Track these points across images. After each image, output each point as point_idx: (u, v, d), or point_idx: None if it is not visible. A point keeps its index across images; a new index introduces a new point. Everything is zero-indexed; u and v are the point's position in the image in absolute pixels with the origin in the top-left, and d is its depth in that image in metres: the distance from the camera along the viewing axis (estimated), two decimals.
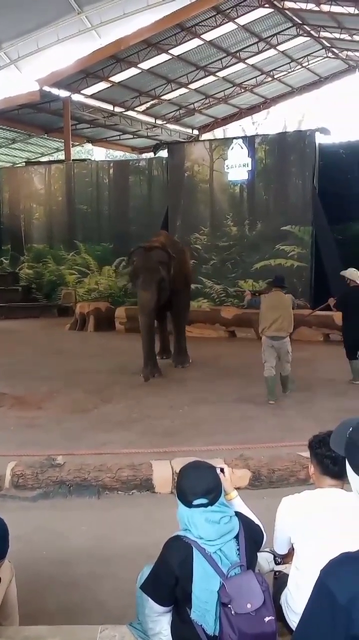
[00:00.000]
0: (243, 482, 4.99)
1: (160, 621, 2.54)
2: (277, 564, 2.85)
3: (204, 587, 2.34)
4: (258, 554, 2.75)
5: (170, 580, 2.41)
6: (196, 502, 2.44)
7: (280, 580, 2.78)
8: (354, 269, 9.11)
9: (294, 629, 2.41)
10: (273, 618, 2.33)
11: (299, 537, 2.54)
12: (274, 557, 2.84)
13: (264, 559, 2.82)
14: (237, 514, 2.55)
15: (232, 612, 2.28)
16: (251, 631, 2.27)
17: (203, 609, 2.33)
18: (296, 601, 2.51)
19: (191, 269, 11.92)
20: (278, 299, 8.18)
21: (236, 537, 2.44)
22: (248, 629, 2.27)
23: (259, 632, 2.28)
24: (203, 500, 2.43)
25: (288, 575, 2.73)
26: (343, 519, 2.40)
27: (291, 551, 2.67)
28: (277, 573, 2.86)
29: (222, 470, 2.65)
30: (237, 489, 3.00)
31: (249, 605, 2.30)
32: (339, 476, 2.55)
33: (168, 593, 2.45)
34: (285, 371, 8.27)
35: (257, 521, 2.64)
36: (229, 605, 2.29)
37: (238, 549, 2.42)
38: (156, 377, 9.54)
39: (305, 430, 6.28)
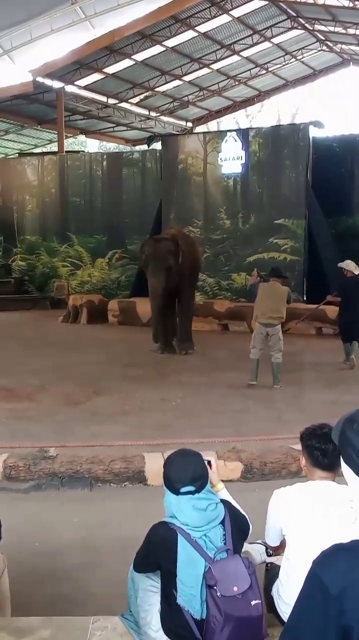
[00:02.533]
0: (235, 474, 5.01)
1: (151, 611, 2.56)
2: (269, 555, 2.86)
3: (190, 572, 2.36)
4: (250, 545, 2.77)
5: (156, 559, 2.48)
6: (183, 489, 2.45)
7: (272, 572, 2.79)
8: (350, 261, 9.79)
9: (285, 620, 2.43)
10: (260, 602, 2.35)
11: (290, 528, 2.56)
12: (266, 548, 2.85)
13: (256, 551, 2.84)
14: (223, 501, 2.57)
15: (218, 594, 2.30)
16: (237, 614, 2.28)
17: (189, 594, 2.35)
18: (286, 592, 2.52)
19: (200, 260, 12.51)
20: (274, 288, 8.55)
21: (222, 523, 2.46)
22: (234, 611, 2.28)
23: (246, 615, 2.30)
24: (190, 488, 2.45)
25: (279, 567, 2.75)
26: (334, 510, 2.42)
27: (283, 543, 2.69)
28: (269, 565, 2.88)
29: (209, 462, 2.66)
30: (229, 481, 3.02)
31: (235, 588, 2.31)
32: (330, 468, 2.57)
33: (157, 568, 2.53)
34: (276, 359, 8.49)
35: (242, 512, 2.66)
36: (215, 587, 2.31)
37: (224, 535, 2.44)
38: (166, 354, 10.67)
39: (297, 423, 6.30)
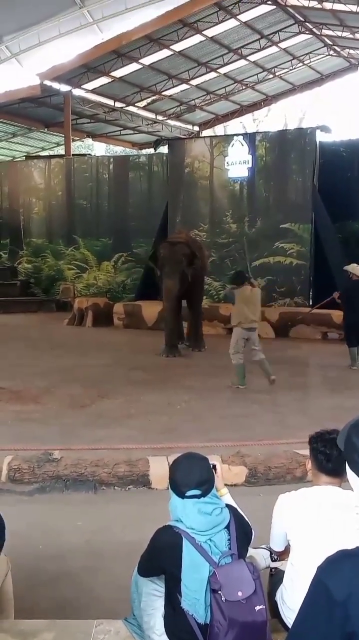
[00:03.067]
0: (239, 479, 5.00)
1: (154, 615, 2.55)
2: (273, 560, 2.85)
3: (194, 576, 2.35)
4: (254, 549, 2.77)
5: (161, 563, 2.47)
6: (189, 493, 2.45)
7: (276, 577, 2.78)
8: (356, 264, 9.90)
9: (289, 625, 2.42)
10: (264, 607, 2.34)
11: (295, 533, 2.55)
12: (271, 554, 2.84)
13: (261, 556, 2.83)
14: (228, 506, 2.57)
15: (223, 599, 2.29)
16: (242, 619, 2.28)
17: (193, 598, 2.35)
18: (291, 597, 2.51)
19: (207, 264, 12.90)
20: (251, 294, 8.78)
21: (227, 527, 2.46)
22: (238, 616, 2.27)
23: (250, 620, 2.29)
24: (196, 492, 2.44)
25: (283, 572, 2.74)
26: (339, 516, 2.41)
27: (288, 548, 2.68)
28: (273, 570, 2.87)
29: (214, 466, 2.66)
30: (234, 485, 3.01)
31: (240, 593, 2.31)
32: (334, 473, 2.57)
33: (161, 572, 2.52)
34: (260, 356, 8.73)
35: (245, 518, 2.65)
36: (219, 592, 2.30)
37: (229, 539, 2.43)
38: (176, 357, 10.90)
39: (302, 428, 6.29)
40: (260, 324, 9.18)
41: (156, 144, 18.41)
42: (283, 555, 2.80)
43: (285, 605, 2.58)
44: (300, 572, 2.42)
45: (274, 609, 2.66)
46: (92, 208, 19.00)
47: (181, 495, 2.46)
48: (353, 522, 2.35)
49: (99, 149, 34.03)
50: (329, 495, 2.54)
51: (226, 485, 2.81)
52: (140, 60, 20.30)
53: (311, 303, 14.21)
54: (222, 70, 23.24)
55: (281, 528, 2.65)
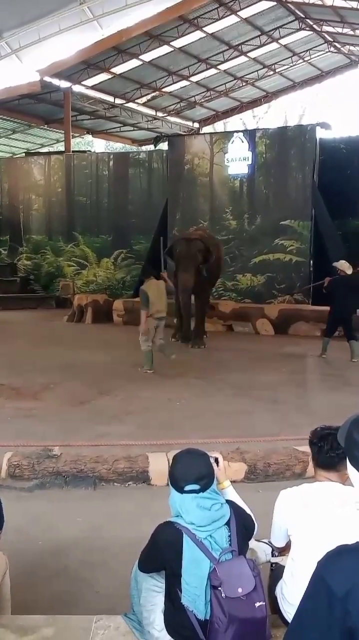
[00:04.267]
0: (239, 475, 5.01)
1: (154, 611, 2.56)
2: (274, 556, 2.86)
3: (194, 572, 2.36)
4: (256, 543, 2.77)
5: (162, 559, 2.48)
6: (187, 487, 2.45)
7: (276, 572, 2.79)
8: (344, 261, 10.43)
9: (289, 620, 2.43)
10: (264, 604, 2.35)
11: (296, 529, 2.55)
12: (272, 550, 2.85)
13: (262, 550, 2.84)
14: (229, 501, 2.57)
15: (223, 595, 2.30)
16: (242, 615, 2.28)
17: (193, 594, 2.35)
18: (291, 592, 2.52)
19: (222, 261, 13.03)
20: (160, 287, 9.68)
21: (227, 523, 2.46)
22: (238, 613, 2.28)
23: (250, 616, 2.30)
24: (195, 487, 2.45)
25: (284, 567, 2.74)
26: (339, 512, 2.42)
27: (289, 544, 2.68)
28: (273, 565, 2.87)
29: (216, 460, 2.66)
30: (233, 482, 3.01)
31: (240, 590, 2.31)
32: (334, 469, 2.57)
33: (162, 568, 2.54)
34: (160, 341, 9.70)
35: (248, 511, 2.66)
36: (220, 588, 2.31)
37: (229, 536, 2.44)
38: (194, 348, 11.45)
39: (301, 425, 6.31)
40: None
41: (155, 141, 18.36)
42: (284, 551, 2.80)
43: (285, 600, 2.58)
44: (300, 568, 2.43)
45: (274, 603, 2.67)
46: (91, 205, 18.98)
47: (180, 490, 2.47)
48: (353, 518, 2.36)
49: (99, 145, 33.98)
50: (329, 491, 2.54)
51: None
52: (140, 57, 20.24)
53: (311, 300, 14.22)
54: (223, 67, 23.19)
55: (282, 523, 2.65)
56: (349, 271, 10.24)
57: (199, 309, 12.14)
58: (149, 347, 9.43)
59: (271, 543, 2.83)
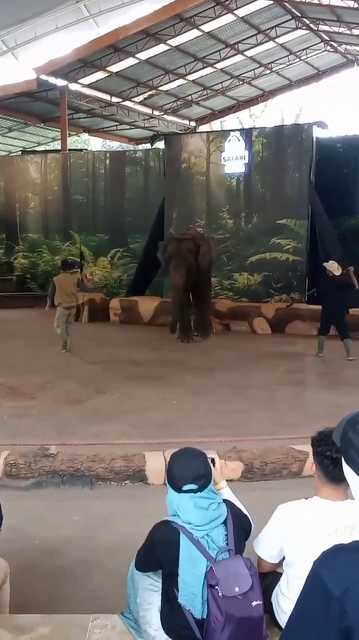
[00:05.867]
0: (236, 474, 5.01)
1: (150, 610, 2.56)
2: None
3: (191, 571, 2.36)
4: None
5: (159, 558, 2.48)
6: (185, 487, 2.46)
7: (269, 577, 2.75)
8: (333, 262, 10.62)
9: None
10: (261, 603, 2.35)
11: (290, 548, 2.50)
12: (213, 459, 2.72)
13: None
14: (226, 501, 2.57)
15: (220, 594, 2.30)
16: (238, 614, 2.29)
17: (190, 593, 2.36)
18: (286, 602, 2.48)
19: (215, 257, 13.28)
20: (66, 279, 10.95)
21: (224, 523, 2.47)
22: (235, 611, 2.28)
23: (246, 615, 2.30)
24: (193, 486, 2.45)
25: (275, 572, 2.73)
26: (334, 536, 2.33)
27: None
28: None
29: (213, 460, 2.66)
30: (230, 481, 3.02)
31: (237, 589, 2.32)
32: (341, 480, 2.28)
33: (159, 567, 2.54)
34: (69, 331, 10.87)
35: (245, 511, 2.66)
36: (216, 587, 2.31)
37: (226, 535, 2.45)
38: (189, 342, 11.97)
39: (298, 424, 6.33)
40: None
41: (152, 139, 18.33)
42: (271, 567, 2.73)
43: (280, 609, 2.56)
44: (296, 584, 2.36)
45: (268, 608, 2.62)
46: (88, 203, 18.94)
47: (178, 489, 2.47)
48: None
49: (96, 144, 33.94)
50: (327, 511, 2.44)
51: None
52: (137, 55, 20.23)
53: (306, 299, 14.23)
54: (219, 66, 23.19)
55: (278, 540, 2.57)
56: (338, 272, 10.38)
57: (199, 304, 12.69)
58: (60, 334, 10.78)
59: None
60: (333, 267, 10.43)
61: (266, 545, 2.65)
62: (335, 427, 1.54)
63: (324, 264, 10.72)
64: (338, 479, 2.38)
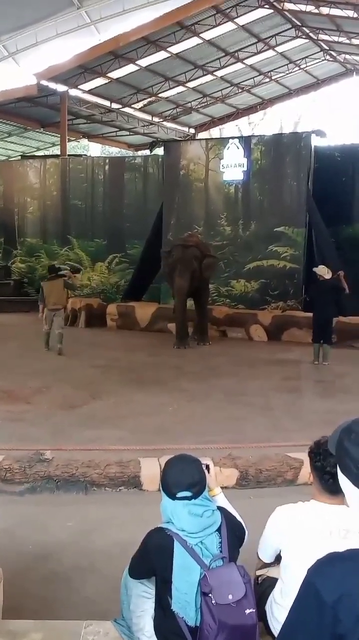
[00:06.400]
0: (231, 481, 5.00)
1: (144, 617, 2.55)
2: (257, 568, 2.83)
3: (185, 579, 2.36)
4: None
5: (152, 565, 2.47)
6: (179, 494, 2.45)
7: (264, 585, 2.76)
8: (323, 266, 10.84)
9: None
10: (254, 610, 2.34)
11: (289, 552, 2.49)
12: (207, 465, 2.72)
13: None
14: (220, 508, 2.57)
15: (213, 602, 2.29)
16: (232, 622, 2.28)
17: (184, 601, 2.35)
18: (280, 610, 2.47)
19: (215, 265, 13.50)
20: (53, 283, 11.49)
21: (218, 530, 2.46)
22: (229, 619, 2.28)
23: (240, 623, 2.29)
24: (187, 493, 2.45)
25: (271, 579, 2.72)
26: (339, 543, 2.28)
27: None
28: (259, 577, 2.85)
29: (207, 467, 2.66)
30: (225, 488, 3.01)
31: (230, 596, 2.31)
32: (338, 492, 2.28)
33: (152, 574, 2.53)
34: (59, 331, 11.25)
35: (239, 518, 2.65)
36: (210, 595, 2.30)
37: (220, 542, 2.44)
38: (186, 348, 12.01)
39: (293, 431, 6.33)
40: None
41: (151, 146, 18.38)
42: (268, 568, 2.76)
43: (274, 618, 2.54)
44: (290, 588, 2.37)
45: (262, 617, 2.62)
46: (87, 209, 18.97)
47: (172, 496, 2.47)
48: (342, 546, 2.29)
49: (95, 149, 33.98)
50: (324, 515, 2.45)
51: None
52: (137, 62, 20.31)
53: (302, 307, 14.25)
54: (219, 73, 23.29)
55: (275, 542, 2.58)
56: (328, 276, 10.55)
57: (200, 311, 12.94)
58: (46, 331, 11.37)
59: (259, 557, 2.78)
60: (323, 271, 10.61)
61: (262, 546, 2.68)
62: (330, 435, 1.55)
63: (315, 268, 10.93)
64: (335, 491, 2.36)
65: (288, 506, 2.59)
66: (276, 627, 2.53)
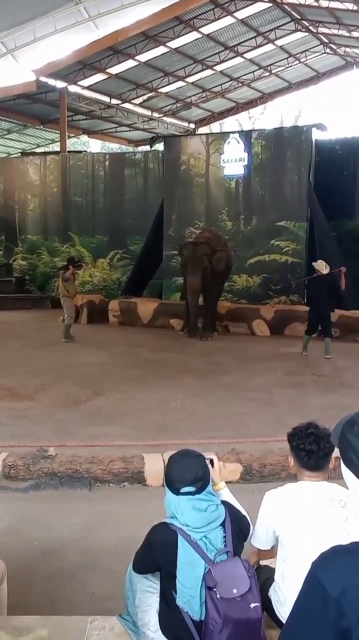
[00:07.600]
0: (235, 476, 5.01)
1: (149, 612, 2.56)
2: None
3: (189, 573, 2.36)
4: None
5: (157, 560, 2.48)
6: (183, 489, 2.45)
7: (264, 574, 2.78)
8: (321, 261, 10.83)
9: (282, 620, 2.43)
10: (259, 604, 2.35)
11: (284, 529, 2.56)
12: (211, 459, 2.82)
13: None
14: (224, 503, 2.57)
15: (218, 596, 2.30)
16: (236, 616, 2.28)
17: (188, 595, 2.35)
18: (283, 591, 2.53)
19: (231, 260, 13.60)
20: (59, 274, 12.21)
21: (223, 524, 2.46)
22: (233, 613, 2.28)
23: (245, 617, 2.30)
24: (191, 489, 2.45)
25: (270, 568, 2.74)
26: (326, 511, 2.45)
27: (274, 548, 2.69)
28: (260, 566, 2.87)
29: (211, 461, 2.66)
30: (229, 482, 3.01)
31: (235, 591, 2.32)
32: (317, 468, 2.61)
33: (156, 569, 2.54)
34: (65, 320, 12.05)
35: (244, 512, 2.66)
36: (215, 589, 2.31)
37: (224, 537, 2.45)
38: (201, 340, 12.33)
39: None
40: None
41: (151, 141, 18.35)
42: (267, 554, 2.80)
43: (279, 602, 2.58)
44: (291, 568, 2.45)
45: (266, 606, 2.65)
46: (87, 205, 18.96)
47: (176, 491, 2.47)
48: (338, 516, 2.38)
49: (95, 145, 33.95)
50: (314, 490, 2.57)
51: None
52: (136, 57, 20.28)
53: (306, 301, 14.23)
54: (219, 68, 23.24)
55: (270, 525, 2.64)
56: (326, 271, 10.56)
57: (210, 305, 13.04)
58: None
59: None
60: (321, 265, 10.64)
61: (257, 532, 2.72)
62: (333, 428, 1.54)
63: (313, 263, 11.00)
64: (314, 467, 2.61)
65: (277, 489, 2.70)
66: (279, 609, 2.56)
